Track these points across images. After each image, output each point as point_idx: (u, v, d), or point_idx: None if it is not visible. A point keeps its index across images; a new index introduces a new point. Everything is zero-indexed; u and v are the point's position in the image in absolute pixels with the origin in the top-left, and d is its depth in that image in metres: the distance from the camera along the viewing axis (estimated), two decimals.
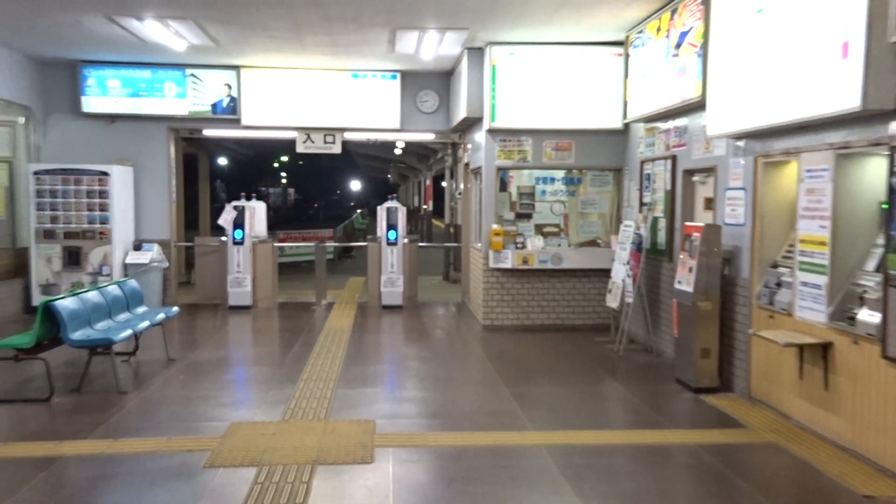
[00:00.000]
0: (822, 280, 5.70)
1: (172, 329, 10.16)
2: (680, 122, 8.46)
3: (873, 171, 5.58)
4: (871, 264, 5.50)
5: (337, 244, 21.24)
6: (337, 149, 13.06)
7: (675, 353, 7.62)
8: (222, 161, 42.88)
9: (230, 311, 12.00)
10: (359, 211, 47.32)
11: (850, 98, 5.04)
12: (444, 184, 47.33)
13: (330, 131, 12.82)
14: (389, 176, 57.66)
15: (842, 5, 5.14)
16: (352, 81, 12.50)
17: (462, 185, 13.99)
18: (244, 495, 4.64)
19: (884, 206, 5.48)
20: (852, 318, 5.40)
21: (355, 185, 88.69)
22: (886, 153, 5.07)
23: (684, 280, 7.18)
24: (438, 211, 36.23)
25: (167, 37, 9.88)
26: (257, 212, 12.75)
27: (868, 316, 5.22)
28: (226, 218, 12.29)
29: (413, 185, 47.60)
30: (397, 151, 29.19)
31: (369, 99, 12.57)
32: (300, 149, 13.01)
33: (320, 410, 6.50)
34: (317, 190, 79.14)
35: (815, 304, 5.80)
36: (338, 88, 12.50)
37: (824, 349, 5.64)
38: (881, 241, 5.42)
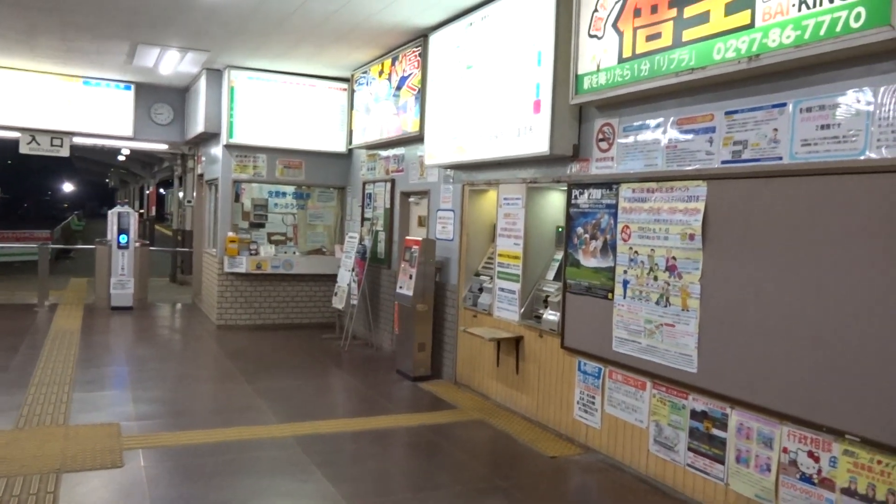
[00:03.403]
0: (516, 286, 6.22)
1: None
2: (398, 151, 8.72)
3: (553, 201, 6.23)
4: (551, 274, 6.13)
5: (58, 245, 18.75)
6: (65, 152, 11.49)
7: (396, 348, 7.82)
8: None
9: None
10: (75, 213, 42.30)
11: (540, 144, 5.56)
12: (162, 191, 43.90)
13: (58, 135, 11.22)
14: (108, 180, 52.07)
15: (534, 71, 5.66)
16: (83, 88, 11.10)
17: (194, 194, 13.09)
18: None
19: (559, 229, 6.15)
20: (538, 317, 5.96)
21: (69, 187, 79.37)
22: (565, 188, 5.68)
23: (405, 285, 7.41)
24: (158, 216, 33.77)
25: None
26: None
27: (551, 315, 5.80)
28: None
29: (134, 190, 43.41)
30: (121, 158, 26.47)
31: (101, 106, 11.25)
32: (24, 150, 11.23)
33: (58, 416, 5.64)
34: (25, 190, 69.45)
35: (510, 305, 6.31)
36: (68, 94, 11.02)
37: (517, 342, 6.15)
38: (559, 256, 6.07)
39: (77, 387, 6.51)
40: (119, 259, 11.23)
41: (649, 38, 4.54)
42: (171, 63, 9.60)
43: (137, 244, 11.53)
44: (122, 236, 11.29)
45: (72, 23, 7.88)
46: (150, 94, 11.64)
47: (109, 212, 11.59)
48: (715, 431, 4.22)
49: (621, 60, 4.78)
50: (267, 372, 7.50)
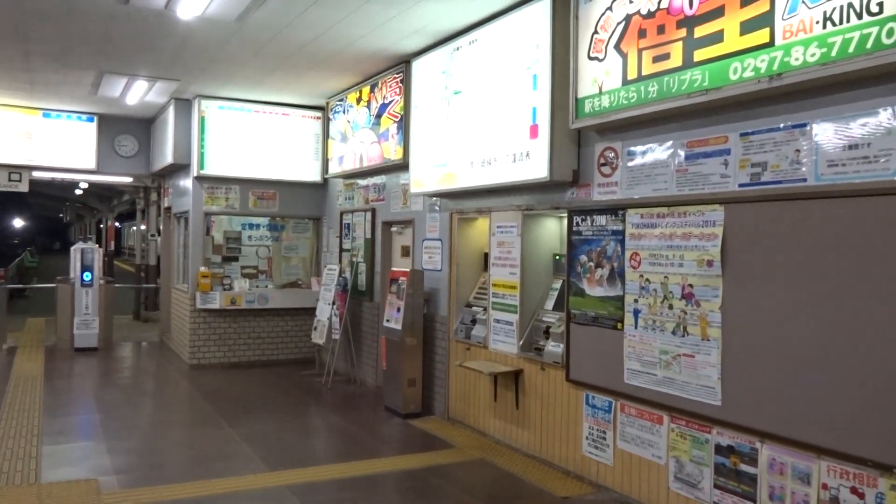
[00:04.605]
0: (514, 318, 5.95)
1: None
2: (379, 179, 8.45)
3: (549, 228, 6.01)
4: (550, 304, 5.89)
5: (14, 285, 17.87)
6: (24, 187, 10.95)
7: (384, 384, 7.46)
8: None
9: None
10: (28, 249, 41.04)
11: (539, 170, 5.34)
12: (118, 224, 42.64)
13: (17, 169, 10.68)
14: (63, 215, 50.59)
15: (530, 95, 5.46)
16: (43, 121, 10.60)
17: (160, 228, 12.60)
18: None
19: (557, 256, 5.94)
20: (539, 349, 5.70)
21: (19, 223, 77.18)
22: (564, 215, 5.48)
23: (392, 318, 7.09)
24: (116, 251, 32.82)
25: None
26: None
27: (553, 347, 5.54)
28: None
29: (90, 224, 42.12)
30: (78, 191, 25.60)
31: (63, 139, 10.75)
32: None
33: (28, 473, 5.13)
34: None
35: (507, 337, 6.04)
36: (27, 127, 10.49)
37: (516, 375, 5.88)
38: (557, 285, 5.85)
39: (46, 439, 6.00)
40: (83, 297, 10.66)
41: (656, 58, 4.38)
42: (138, 93, 9.22)
43: (102, 281, 10.98)
44: (85, 274, 10.73)
45: (38, 52, 7.46)
46: (114, 126, 11.18)
47: (72, 248, 11.04)
48: (743, 467, 3.99)
49: (626, 82, 4.61)
50: (248, 414, 7.07)
